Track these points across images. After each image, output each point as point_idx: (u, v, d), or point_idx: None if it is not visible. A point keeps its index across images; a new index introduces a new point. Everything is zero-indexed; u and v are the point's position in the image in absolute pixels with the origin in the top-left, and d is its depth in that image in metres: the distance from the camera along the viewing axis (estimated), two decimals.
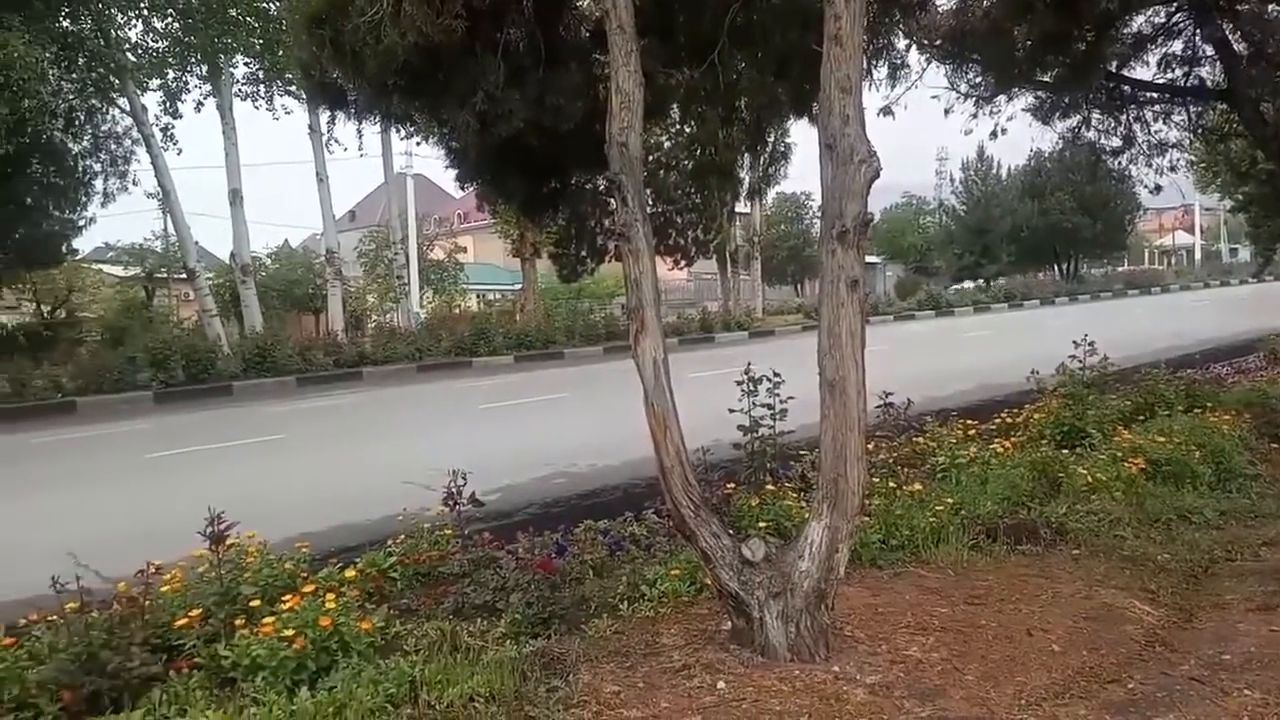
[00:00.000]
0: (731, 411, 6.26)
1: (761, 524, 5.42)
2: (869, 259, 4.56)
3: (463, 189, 11.70)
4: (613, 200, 4.33)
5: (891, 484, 6.16)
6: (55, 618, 4.08)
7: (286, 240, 47.43)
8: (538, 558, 4.81)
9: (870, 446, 5.93)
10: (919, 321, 34.83)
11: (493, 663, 3.72)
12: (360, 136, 25.75)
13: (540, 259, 33.39)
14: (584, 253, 29.18)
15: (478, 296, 47.08)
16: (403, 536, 5.62)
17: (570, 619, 4.42)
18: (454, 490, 5.44)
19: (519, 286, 39.19)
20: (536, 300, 34.06)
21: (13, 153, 16.91)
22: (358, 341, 24.88)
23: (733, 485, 6.22)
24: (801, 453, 6.88)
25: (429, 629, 4.16)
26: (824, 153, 3.89)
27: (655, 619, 4.43)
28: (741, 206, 34.67)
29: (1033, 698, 3.51)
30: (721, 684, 3.61)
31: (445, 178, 48.47)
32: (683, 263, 32.34)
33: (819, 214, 4.27)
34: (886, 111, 9.50)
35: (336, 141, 25.43)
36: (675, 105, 7.14)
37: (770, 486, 6.14)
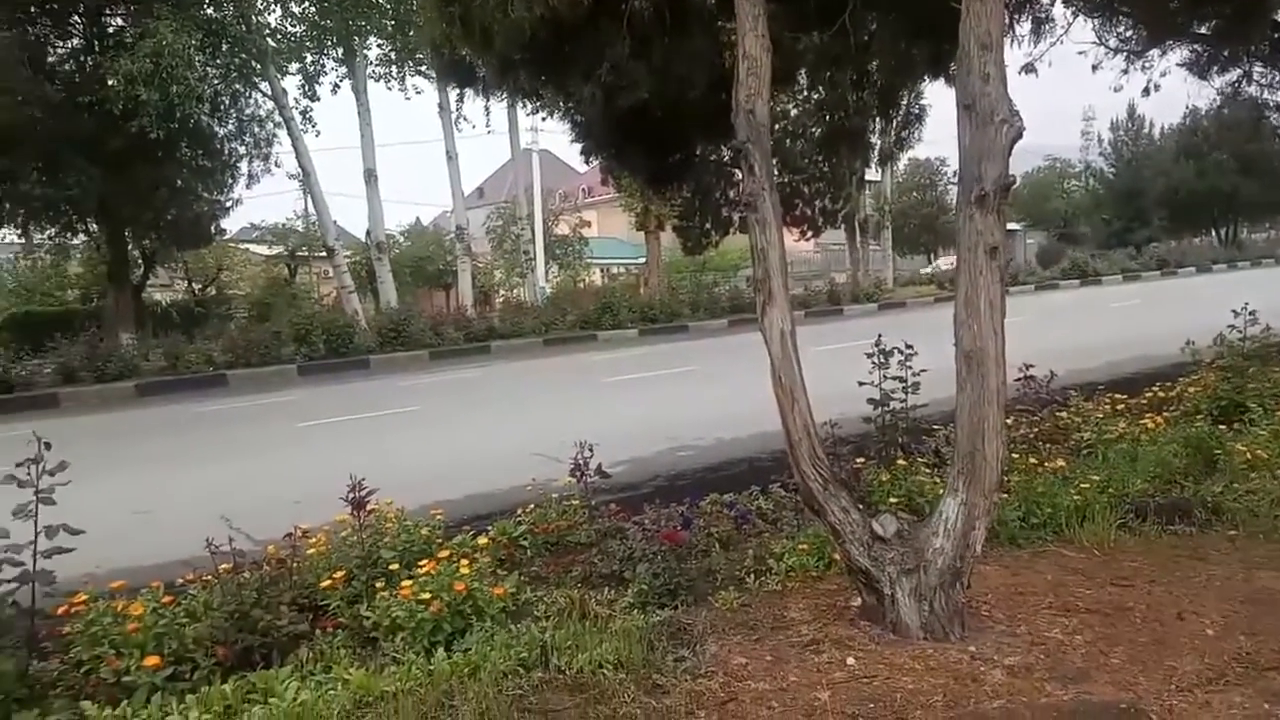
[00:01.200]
0: (861, 385, 6.12)
1: (892, 499, 5.29)
2: (1009, 225, 4.38)
3: (588, 163, 11.75)
4: (738, 170, 4.28)
5: (1032, 460, 5.92)
6: (210, 577, 4.31)
7: (418, 218, 49.12)
8: (664, 529, 4.81)
9: (1009, 421, 5.70)
10: (1063, 291, 33.35)
11: (620, 631, 3.76)
12: (488, 113, 26.20)
13: (664, 232, 33.43)
14: (708, 225, 28.98)
15: (602, 270, 47.60)
16: (532, 506, 5.73)
17: (697, 590, 4.42)
18: (581, 462, 5.50)
19: (643, 260, 39.42)
20: (660, 273, 34.16)
21: (164, 137, 17.90)
22: (486, 316, 25.48)
23: (862, 460, 6.09)
24: (935, 427, 6.70)
25: (558, 596, 4.23)
26: (962, 114, 3.72)
27: (782, 593, 4.39)
28: (871, 174, 33.81)
29: (1184, 683, 3.32)
30: (851, 660, 3.55)
31: (570, 153, 48.97)
32: (809, 233, 31.80)
33: (955, 179, 4.10)
34: (1029, 69, 9.10)
35: (465, 119, 26.11)
36: (803, 70, 6.99)
37: (901, 461, 5.98)
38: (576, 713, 3.23)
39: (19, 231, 22.88)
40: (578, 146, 8.66)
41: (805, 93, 9.70)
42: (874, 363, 6.06)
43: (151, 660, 3.62)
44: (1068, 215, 57.88)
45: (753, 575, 4.59)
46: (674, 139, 6.78)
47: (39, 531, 3.49)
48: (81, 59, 19.75)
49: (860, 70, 6.84)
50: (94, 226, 22.01)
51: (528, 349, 22.18)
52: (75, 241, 24.83)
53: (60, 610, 4.00)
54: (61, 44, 20.03)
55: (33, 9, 18.71)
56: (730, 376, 13.79)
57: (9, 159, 17.64)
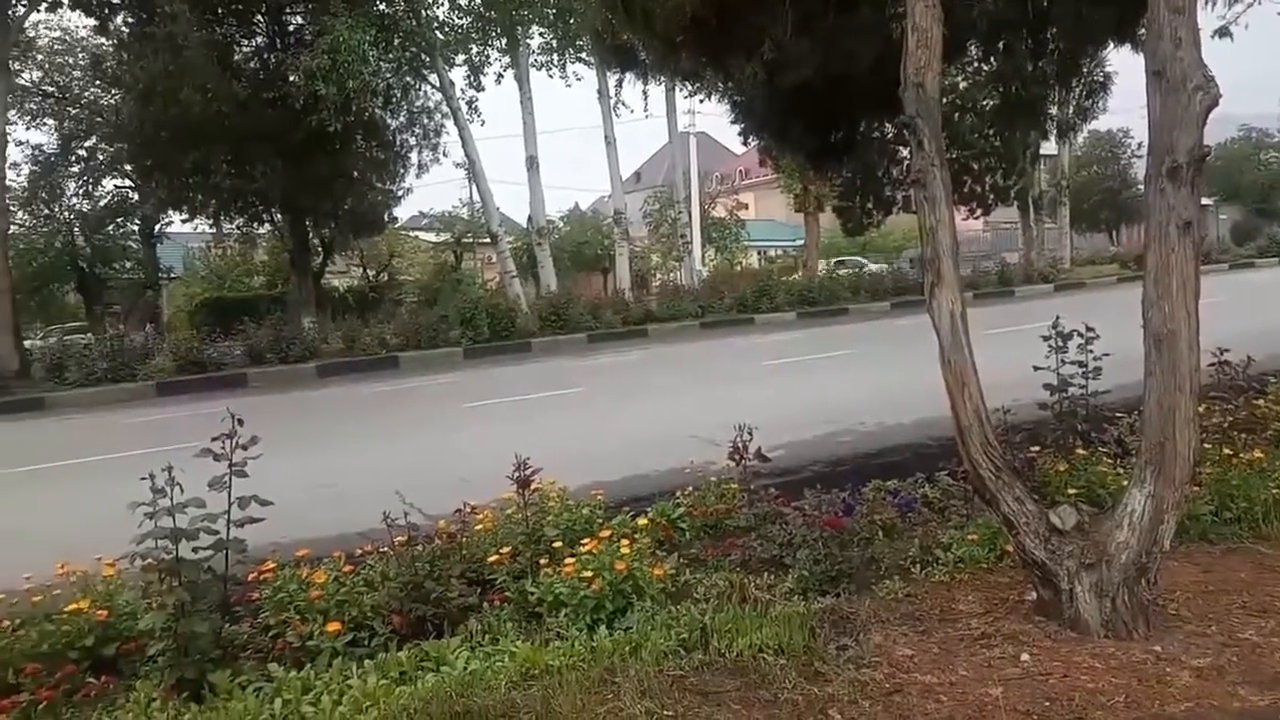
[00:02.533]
0: (1036, 369, 5.83)
1: (1071, 491, 5.03)
2: (1202, 200, 4.03)
3: (747, 143, 11.69)
4: (903, 148, 4.14)
5: (1226, 451, 5.49)
6: (386, 550, 4.54)
7: (576, 203, 50.00)
8: (825, 515, 4.74)
9: (1202, 409, 5.31)
10: (1259, 270, 30.83)
11: (781, 617, 3.72)
12: (646, 97, 26.40)
13: (823, 213, 32.85)
14: (869, 205, 28.30)
15: (758, 253, 47.24)
16: (690, 488, 5.74)
17: (859, 579, 4.34)
18: (740, 445, 5.46)
19: (801, 242, 38.86)
20: (819, 255, 33.59)
21: (341, 130, 18.84)
22: (643, 300, 25.71)
23: (1037, 449, 5.80)
24: (1117, 415, 6.31)
25: (717, 579, 4.23)
26: (1152, 81, 3.49)
27: (950, 584, 4.25)
28: (1048, 148, 32.10)
29: None
30: (1025, 656, 3.40)
31: (728, 134, 48.79)
32: (978, 211, 30.56)
33: (1141, 151, 3.85)
34: (1223, 33, 8.37)
35: (623, 104, 26.49)
36: (975, 41, 6.70)
37: (1081, 451, 5.66)
38: (737, 696, 3.23)
39: (210, 221, 24.60)
40: (737, 127, 8.63)
41: (976, 64, 9.27)
42: (1051, 346, 5.77)
43: (333, 626, 3.84)
44: (1265, 189, 53.63)
45: (918, 565, 4.48)
46: (837, 116, 6.63)
47: (232, 502, 3.72)
48: (265, 57, 21.00)
49: (1038, 38, 6.48)
50: (278, 216, 23.32)
51: (684, 332, 22.26)
52: (261, 231, 26.38)
53: (250, 577, 4.30)
54: (246, 43, 21.39)
55: (220, 10, 20.03)
56: (892, 361, 13.44)
57: (201, 153, 19.03)
